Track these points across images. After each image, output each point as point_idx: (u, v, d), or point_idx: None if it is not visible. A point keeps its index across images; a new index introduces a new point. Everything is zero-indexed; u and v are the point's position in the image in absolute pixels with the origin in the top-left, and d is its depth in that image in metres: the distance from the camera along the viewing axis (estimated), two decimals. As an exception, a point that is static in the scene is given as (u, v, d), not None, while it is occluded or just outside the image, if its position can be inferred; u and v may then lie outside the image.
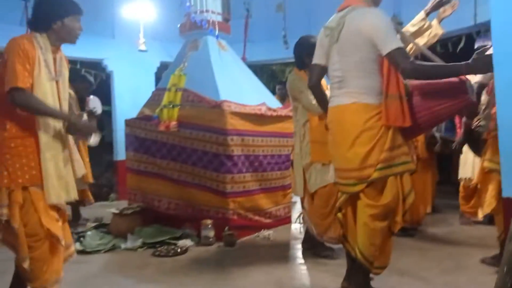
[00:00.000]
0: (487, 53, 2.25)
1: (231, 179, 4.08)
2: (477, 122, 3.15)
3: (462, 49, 6.23)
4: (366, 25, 2.31)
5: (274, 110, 4.61)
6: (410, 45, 2.84)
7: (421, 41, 2.91)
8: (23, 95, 2.22)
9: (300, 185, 3.46)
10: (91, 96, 5.17)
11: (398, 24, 4.02)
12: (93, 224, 4.71)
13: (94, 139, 3.27)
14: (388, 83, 2.29)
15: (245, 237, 4.17)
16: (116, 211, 4.31)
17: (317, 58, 2.58)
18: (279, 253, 3.65)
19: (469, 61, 2.21)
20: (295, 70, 3.57)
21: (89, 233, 4.18)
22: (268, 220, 4.46)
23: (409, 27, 2.93)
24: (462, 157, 4.23)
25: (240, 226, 4.12)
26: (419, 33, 2.96)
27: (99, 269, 3.37)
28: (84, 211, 5.18)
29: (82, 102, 5.11)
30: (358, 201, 2.39)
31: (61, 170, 2.35)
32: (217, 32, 4.79)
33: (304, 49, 3.40)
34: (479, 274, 2.97)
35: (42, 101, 2.27)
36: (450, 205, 5.30)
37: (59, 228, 2.35)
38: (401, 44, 2.29)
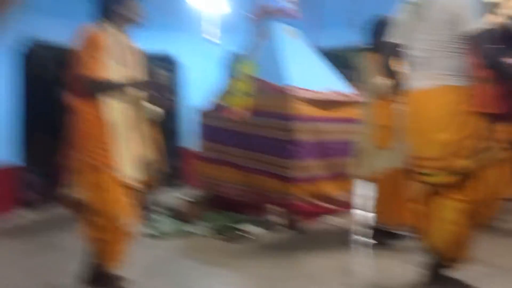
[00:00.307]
0: None
1: (297, 165, 4.05)
2: None
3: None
4: (454, 1, 2.14)
5: (345, 96, 4.49)
6: (494, 16, 2.61)
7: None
8: (93, 83, 2.32)
9: (360, 167, 3.41)
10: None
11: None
12: (163, 210, 4.89)
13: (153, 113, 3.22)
14: (477, 65, 2.10)
15: (311, 223, 4.12)
16: (186, 198, 4.44)
17: (395, 36, 2.42)
18: (345, 239, 3.56)
19: None
20: (366, 53, 3.46)
21: (159, 218, 4.33)
22: (334, 206, 4.38)
23: None
24: None
25: (306, 212, 4.07)
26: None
27: (169, 254, 3.46)
28: (154, 197, 5.38)
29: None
30: (438, 194, 2.20)
31: (132, 150, 2.42)
32: (290, 13, 4.73)
33: (378, 31, 3.25)
34: None
35: (109, 81, 2.34)
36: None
37: (127, 211, 2.41)
38: (482, 26, 2.09)
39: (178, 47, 7.34)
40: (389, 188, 3.27)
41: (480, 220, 2.20)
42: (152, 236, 3.91)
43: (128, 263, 2.51)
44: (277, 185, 4.12)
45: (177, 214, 4.47)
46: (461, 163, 2.09)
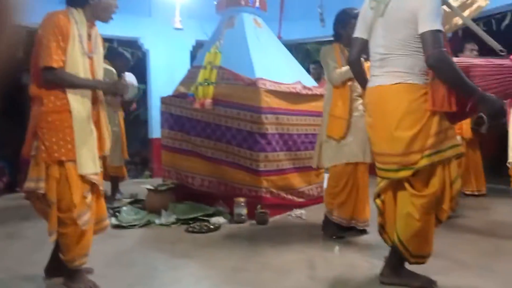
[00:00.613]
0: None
1: (264, 157, 4.06)
2: None
3: (507, 26, 5.92)
4: (415, 0, 2.15)
5: (309, 89, 4.54)
6: (456, 19, 2.69)
7: (464, 14, 2.76)
8: (56, 74, 2.27)
9: (317, 158, 3.52)
10: (126, 73, 5.22)
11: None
12: (129, 200, 4.82)
13: (131, 92, 3.22)
14: None
15: (277, 215, 4.16)
16: (151, 188, 4.38)
17: (359, 32, 2.44)
18: (311, 232, 3.62)
19: (486, 94, 2.10)
20: (330, 45, 3.51)
21: (124, 208, 4.27)
22: (300, 199, 4.44)
23: (453, 1, 2.78)
24: (510, 138, 3.96)
25: (272, 205, 4.11)
26: (463, 7, 2.80)
27: (134, 244, 3.43)
28: (120, 187, 5.30)
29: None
30: (400, 190, 2.27)
31: (90, 142, 2.38)
32: (257, 4, 4.71)
33: (339, 20, 3.35)
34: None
35: (74, 75, 2.31)
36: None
37: (87, 205, 2.37)
38: (441, 28, 2.11)
39: (144, 32, 7.21)
40: (335, 181, 3.37)
41: (440, 215, 2.28)
42: (117, 226, 3.86)
43: (92, 253, 2.47)
44: (244, 176, 4.13)
45: (143, 205, 4.42)
46: (419, 159, 2.15)
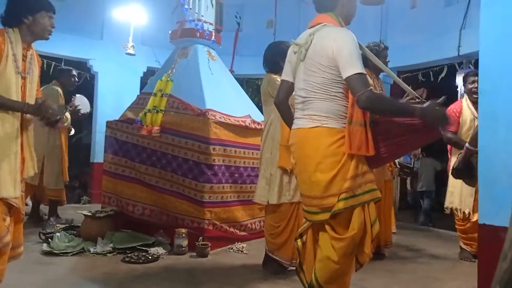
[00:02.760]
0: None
1: (209, 189, 4.03)
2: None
3: (443, 79, 6.37)
4: (332, 45, 2.17)
5: (258, 123, 4.60)
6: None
7: None
8: None
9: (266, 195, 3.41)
10: (78, 95, 5.14)
11: (385, 49, 4.13)
12: (63, 226, 4.59)
13: (60, 111, 3.16)
14: (353, 108, 2.15)
15: (218, 248, 4.10)
16: (88, 213, 4.19)
17: (285, 74, 2.47)
18: (253, 266, 3.59)
19: (425, 106, 2.13)
20: (268, 74, 3.51)
21: (58, 234, 4.04)
22: (243, 233, 4.40)
23: None
24: (449, 184, 4.12)
25: (214, 237, 4.05)
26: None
27: (65, 272, 3.25)
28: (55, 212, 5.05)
29: (68, 96, 5.10)
30: (322, 232, 2.25)
31: (12, 165, 2.31)
32: (213, 37, 4.78)
33: (278, 52, 3.34)
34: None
35: (1, 95, 2.27)
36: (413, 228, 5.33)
37: (4, 227, 2.27)
38: (363, 71, 2.14)
39: (94, 55, 7.10)
40: (277, 221, 3.36)
41: (361, 258, 2.27)
42: (48, 253, 3.65)
43: (18, 281, 2.31)
44: (188, 207, 4.06)
45: (78, 231, 4.21)
46: (335, 202, 2.15)
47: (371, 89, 2.11)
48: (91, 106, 7.13)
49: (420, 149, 6.70)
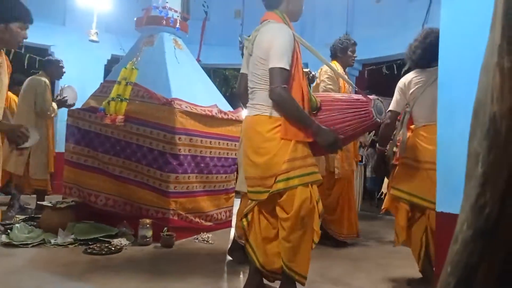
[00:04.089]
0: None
1: (175, 179, 3.99)
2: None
3: (406, 72, 6.50)
4: (268, 39, 2.41)
5: (225, 113, 4.58)
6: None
7: None
8: None
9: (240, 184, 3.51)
10: (66, 85, 5.13)
11: (354, 44, 4.22)
12: (22, 217, 4.46)
13: (32, 140, 3.12)
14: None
15: (183, 239, 4.08)
16: (48, 204, 4.08)
17: (243, 68, 2.71)
18: (218, 256, 3.59)
19: (322, 127, 2.37)
20: None
21: (17, 225, 3.92)
22: (208, 223, 4.40)
23: None
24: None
25: (179, 227, 4.02)
26: None
27: (24, 264, 3.16)
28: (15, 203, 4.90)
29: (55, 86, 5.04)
30: (263, 210, 2.48)
31: None
32: (178, 25, 4.72)
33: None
34: (406, 286, 3.05)
35: None
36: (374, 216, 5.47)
37: None
38: (287, 67, 2.35)
39: (56, 41, 6.88)
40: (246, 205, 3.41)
41: (314, 237, 2.42)
42: (7, 244, 3.55)
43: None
44: (152, 197, 4.02)
45: (39, 222, 4.10)
46: (273, 183, 2.36)
47: (286, 87, 2.33)
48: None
49: (368, 137, 6.85)
